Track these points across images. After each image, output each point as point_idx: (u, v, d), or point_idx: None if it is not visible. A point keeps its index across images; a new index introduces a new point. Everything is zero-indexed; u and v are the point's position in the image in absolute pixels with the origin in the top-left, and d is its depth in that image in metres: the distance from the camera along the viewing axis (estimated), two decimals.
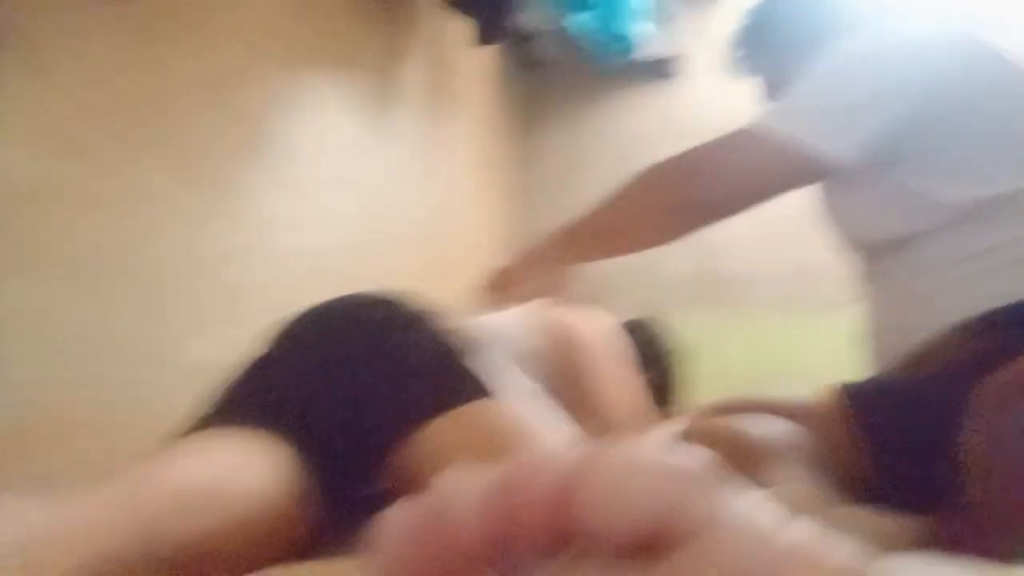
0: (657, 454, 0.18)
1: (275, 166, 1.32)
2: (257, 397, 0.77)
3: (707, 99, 2.38)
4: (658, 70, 2.41)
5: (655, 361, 1.20)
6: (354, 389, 0.74)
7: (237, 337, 0.85)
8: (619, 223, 0.94)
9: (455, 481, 0.20)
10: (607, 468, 0.17)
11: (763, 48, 1.06)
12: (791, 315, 2.12)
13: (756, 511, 0.17)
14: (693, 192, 0.86)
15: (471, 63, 2.21)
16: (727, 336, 2.12)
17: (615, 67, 2.39)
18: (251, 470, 0.65)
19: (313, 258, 1.40)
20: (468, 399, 0.71)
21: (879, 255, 0.89)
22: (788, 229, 2.15)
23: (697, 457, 0.18)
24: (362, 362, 0.75)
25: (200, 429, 0.73)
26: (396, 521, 0.21)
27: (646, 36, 2.24)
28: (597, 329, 1.11)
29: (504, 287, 1.04)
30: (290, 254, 1.33)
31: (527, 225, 2.49)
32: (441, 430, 0.66)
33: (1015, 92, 0.81)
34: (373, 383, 0.74)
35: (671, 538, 0.17)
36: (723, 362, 1.82)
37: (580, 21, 2.12)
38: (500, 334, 0.96)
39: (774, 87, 1.03)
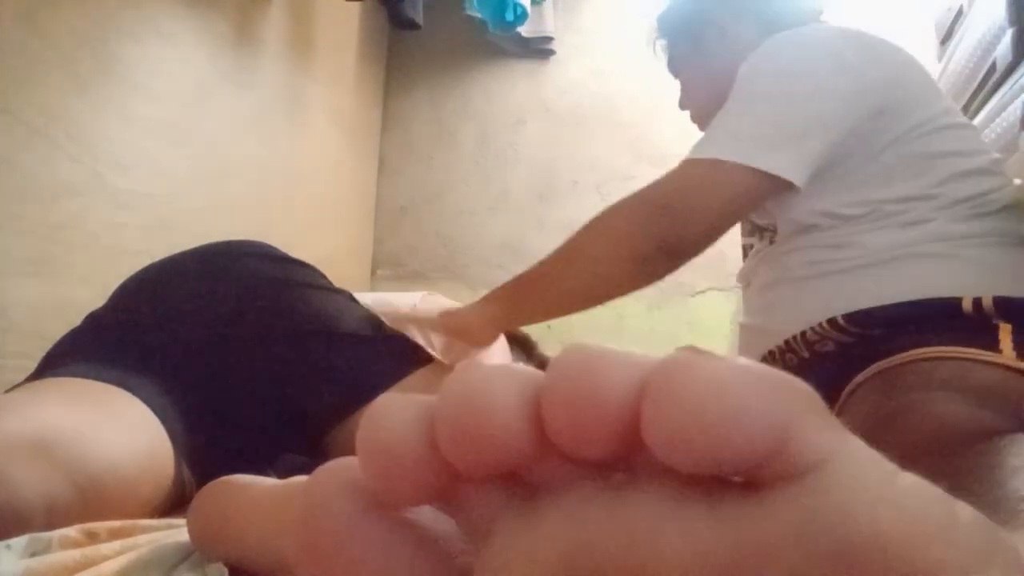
0: (763, 366, 0.13)
1: (108, 96, 1.18)
2: (132, 346, 0.71)
3: (574, 84, 2.43)
4: (533, 49, 2.42)
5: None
6: (283, 360, 0.72)
7: (67, 278, 0.78)
8: (573, 279, 0.84)
9: (489, 366, 0.15)
10: (702, 373, 0.13)
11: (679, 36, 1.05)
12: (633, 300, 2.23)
13: (870, 450, 0.13)
14: (666, 233, 0.79)
15: (338, 15, 2.10)
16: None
17: (490, 40, 2.37)
18: (121, 423, 0.60)
19: (146, 207, 1.27)
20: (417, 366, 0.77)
21: (778, 239, 0.90)
22: None
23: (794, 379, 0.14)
24: (289, 333, 0.73)
25: (48, 375, 0.66)
26: (401, 403, 0.16)
27: (528, 13, 2.23)
28: None
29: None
30: (121, 196, 1.20)
31: (384, 196, 2.42)
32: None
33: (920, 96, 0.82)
34: (311, 359, 0.73)
35: (774, 472, 0.12)
36: (570, 337, 1.88)
37: None
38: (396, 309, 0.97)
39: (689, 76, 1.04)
